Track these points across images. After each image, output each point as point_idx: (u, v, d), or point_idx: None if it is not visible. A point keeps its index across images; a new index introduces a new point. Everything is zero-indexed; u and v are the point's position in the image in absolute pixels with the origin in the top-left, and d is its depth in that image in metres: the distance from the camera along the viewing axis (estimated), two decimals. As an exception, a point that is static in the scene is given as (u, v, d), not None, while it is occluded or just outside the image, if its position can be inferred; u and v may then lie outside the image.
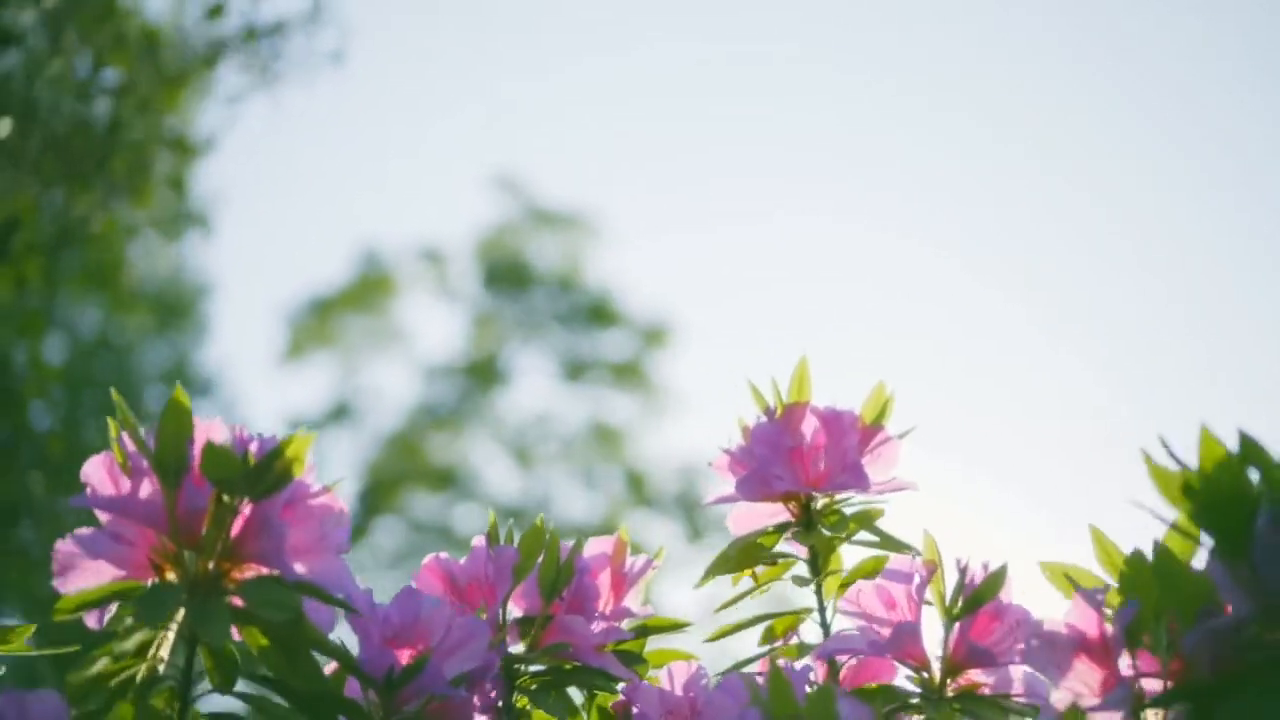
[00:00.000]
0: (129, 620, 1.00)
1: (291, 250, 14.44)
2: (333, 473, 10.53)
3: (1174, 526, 0.95)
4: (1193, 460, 0.91)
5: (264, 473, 0.98)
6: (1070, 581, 1.06)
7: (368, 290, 11.04)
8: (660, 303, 11.82)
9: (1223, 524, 0.89)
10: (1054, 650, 1.05)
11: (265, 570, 1.00)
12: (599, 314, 11.30)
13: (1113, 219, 13.25)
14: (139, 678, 0.99)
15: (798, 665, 1.20)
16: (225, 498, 0.98)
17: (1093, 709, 1.00)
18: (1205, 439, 0.89)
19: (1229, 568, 0.90)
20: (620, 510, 10.84)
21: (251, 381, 14.14)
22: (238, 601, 0.99)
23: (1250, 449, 0.89)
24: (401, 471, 10.77)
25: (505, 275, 11.35)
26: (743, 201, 14.32)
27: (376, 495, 10.65)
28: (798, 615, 1.30)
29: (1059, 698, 1.05)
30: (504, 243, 11.41)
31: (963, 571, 1.16)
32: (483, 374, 11.22)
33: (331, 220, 14.49)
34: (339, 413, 10.91)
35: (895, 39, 13.76)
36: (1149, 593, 1.00)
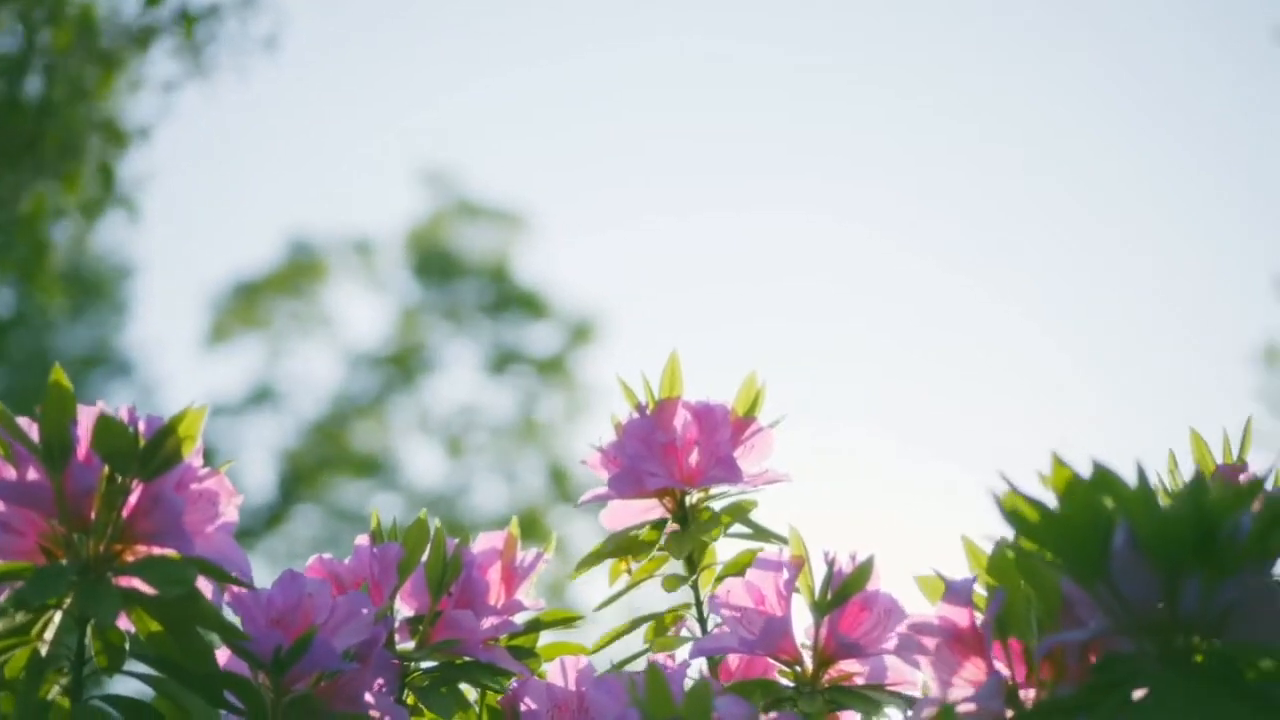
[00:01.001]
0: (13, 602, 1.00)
1: (220, 235, 14.32)
2: (252, 457, 10.48)
3: (1023, 551, 0.98)
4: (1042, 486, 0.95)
5: (155, 451, 0.99)
6: (940, 578, 1.09)
7: (295, 275, 10.98)
8: (588, 298, 11.82)
9: (1078, 547, 0.92)
10: (924, 641, 1.08)
11: (157, 551, 1.01)
12: (527, 307, 11.29)
13: (1008, 209, 13.38)
14: (27, 659, 1.00)
15: (677, 662, 1.22)
16: (117, 477, 1.00)
17: (965, 700, 1.04)
18: (1057, 465, 0.93)
19: (1086, 587, 0.94)
20: (542, 504, 10.84)
21: (176, 365, 14.02)
22: (128, 582, 1.01)
23: (1101, 474, 0.92)
24: (323, 458, 10.73)
25: (434, 266, 11.32)
26: (673, 199, 14.37)
27: (297, 482, 10.60)
28: (676, 612, 1.32)
29: (931, 689, 1.08)
30: (433, 234, 11.38)
31: (830, 564, 1.17)
32: (409, 363, 11.19)
33: (261, 206, 14.39)
34: (261, 397, 10.85)
35: (821, 32, 13.81)
36: (1015, 586, 1.04)
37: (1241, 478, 1.22)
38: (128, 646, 1.02)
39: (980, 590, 1.08)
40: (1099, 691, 0.93)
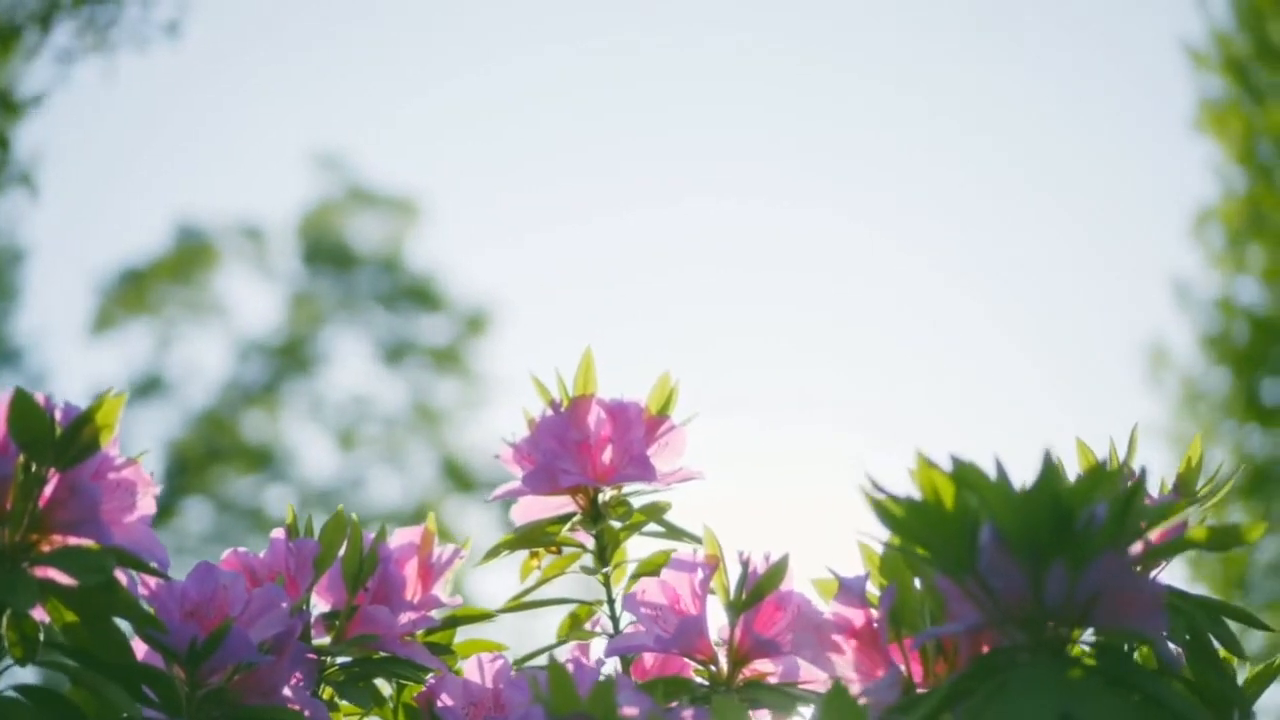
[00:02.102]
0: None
1: (109, 219, 14.11)
2: (139, 448, 10.29)
3: (900, 550, 1.00)
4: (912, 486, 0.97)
5: (72, 439, 0.98)
6: (835, 577, 1.11)
7: (185, 262, 10.83)
8: (484, 289, 11.80)
9: (946, 543, 0.94)
10: (821, 638, 1.10)
11: (73, 540, 1.00)
12: (421, 297, 11.23)
13: (926, 210, 13.52)
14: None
15: (593, 660, 1.22)
16: (33, 466, 0.99)
17: (862, 694, 1.05)
18: (922, 465, 0.94)
19: (956, 583, 0.96)
20: (436, 496, 10.79)
21: (63, 353, 13.81)
22: (44, 572, 1.00)
23: (964, 471, 0.93)
24: (212, 450, 10.60)
25: (326, 254, 11.23)
26: (570, 190, 14.36)
27: (185, 474, 10.46)
28: (590, 607, 1.32)
29: (829, 685, 1.10)
30: (326, 221, 11.29)
31: (745, 564, 1.18)
32: (300, 353, 11.09)
33: (152, 191, 14.19)
34: (150, 386, 10.70)
35: (715, 18, 13.86)
36: (907, 582, 1.06)
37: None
38: (42, 638, 1.01)
39: (873, 588, 1.11)
40: (973, 681, 0.95)
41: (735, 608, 1.18)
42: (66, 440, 0.99)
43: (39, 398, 1.00)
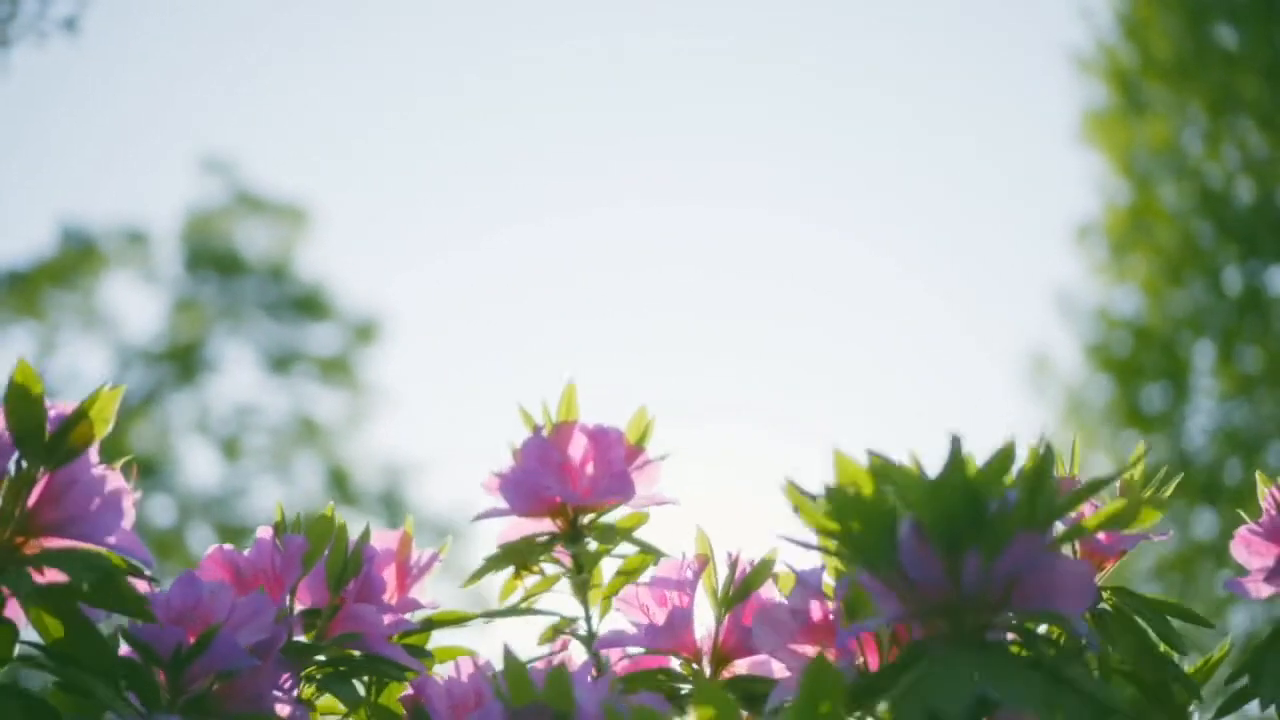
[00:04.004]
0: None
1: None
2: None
3: (822, 549, 1.01)
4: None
5: (65, 436, 0.97)
6: (792, 570, 1.12)
7: (69, 265, 10.63)
8: (372, 299, 11.72)
9: (866, 538, 0.95)
10: (778, 630, 1.11)
11: (57, 542, 0.98)
12: (308, 306, 11.13)
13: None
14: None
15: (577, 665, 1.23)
16: (25, 465, 0.97)
17: None
18: (840, 461, 0.95)
19: (879, 577, 0.96)
20: (321, 506, 10.69)
21: (-64, 357, 13.49)
22: (35, 572, 0.98)
23: (880, 465, 0.95)
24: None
25: (211, 260, 11.09)
26: (462, 201, 14.32)
27: (67, 481, 10.27)
28: (567, 620, 1.33)
29: (788, 677, 1.12)
30: (212, 227, 11.15)
31: (733, 563, 1.20)
32: (185, 361, 10.93)
33: (36, 191, 13.91)
34: (30, 394, 10.49)
35: (608, 23, 13.90)
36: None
37: (1063, 482, 1.27)
38: (18, 640, 0.99)
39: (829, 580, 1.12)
40: (897, 672, 0.95)
41: (724, 603, 1.20)
42: (58, 438, 0.97)
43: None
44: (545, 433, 1.32)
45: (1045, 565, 0.95)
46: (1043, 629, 1.09)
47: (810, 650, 1.10)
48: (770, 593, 1.20)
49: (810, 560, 1.13)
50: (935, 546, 0.93)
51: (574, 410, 1.33)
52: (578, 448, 1.32)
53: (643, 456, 1.33)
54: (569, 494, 1.30)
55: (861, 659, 1.07)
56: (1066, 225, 8.75)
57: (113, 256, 10.84)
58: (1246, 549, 1.22)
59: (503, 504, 1.31)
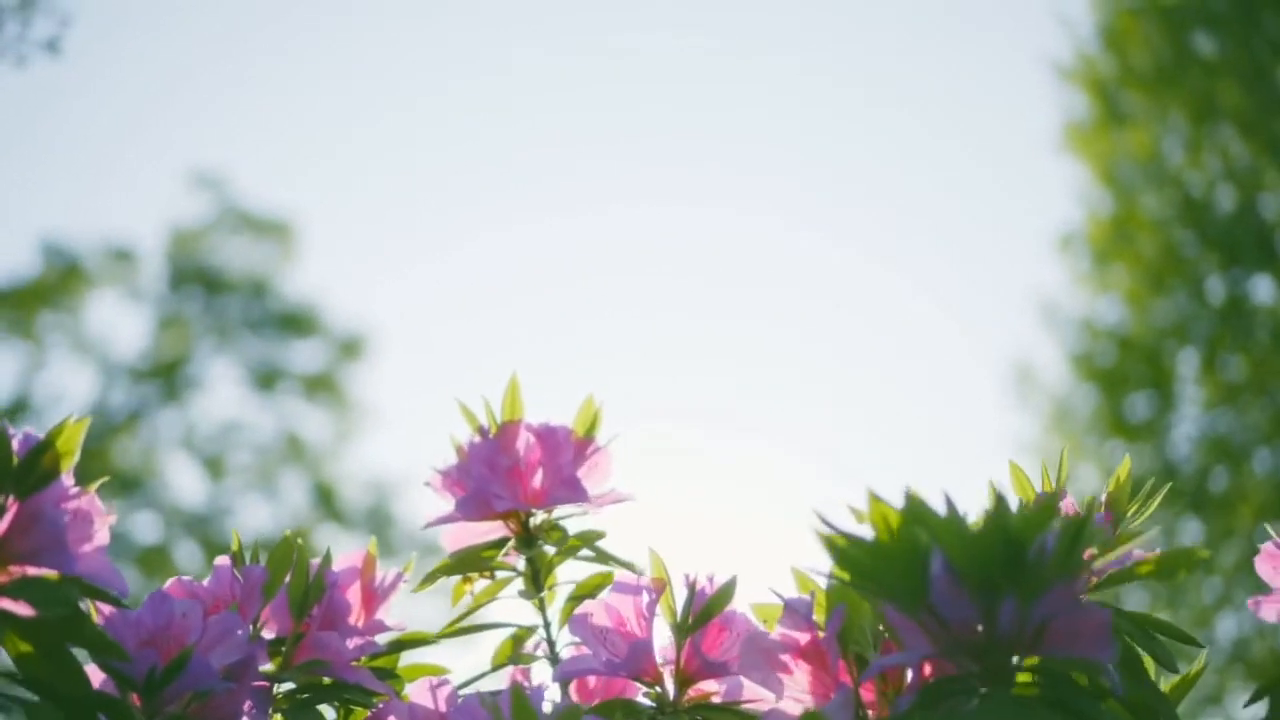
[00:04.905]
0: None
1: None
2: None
3: (849, 584, 1.02)
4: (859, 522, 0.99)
5: (33, 466, 0.97)
6: (779, 598, 1.12)
7: (53, 283, 10.61)
8: (358, 315, 11.70)
9: (898, 577, 0.96)
10: (768, 658, 1.11)
11: (30, 570, 0.99)
12: (293, 323, 11.12)
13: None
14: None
15: (532, 685, 1.23)
16: (-6, 496, 0.97)
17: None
18: (873, 501, 0.96)
19: (909, 615, 0.98)
20: (308, 524, 10.68)
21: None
22: (4, 604, 0.98)
23: (915, 506, 0.95)
24: (80, 475, 10.37)
25: (196, 277, 11.08)
26: (445, 211, 14.31)
27: (53, 500, 10.24)
28: (526, 631, 1.33)
29: (784, 705, 1.12)
30: (197, 244, 11.14)
31: (691, 586, 1.19)
32: (170, 378, 10.92)
33: (20, 208, 13.88)
34: (16, 410, 10.46)
35: (599, 29, 13.91)
36: (854, 602, 1.08)
37: (1062, 505, 1.27)
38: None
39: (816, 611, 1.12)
40: (923, 708, 0.97)
41: (682, 630, 1.20)
42: (26, 467, 0.97)
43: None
44: (490, 433, 1.31)
45: (1076, 612, 0.97)
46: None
47: (799, 678, 1.11)
48: (731, 616, 1.20)
49: (789, 588, 1.14)
50: (969, 589, 0.95)
51: (519, 408, 1.32)
52: (525, 447, 1.31)
53: (592, 446, 1.33)
54: (519, 503, 1.29)
55: (855, 690, 1.07)
56: (1049, 235, 8.75)
57: (98, 274, 10.82)
58: (1272, 567, 1.20)
59: (450, 507, 1.31)
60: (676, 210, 13.71)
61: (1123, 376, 8.29)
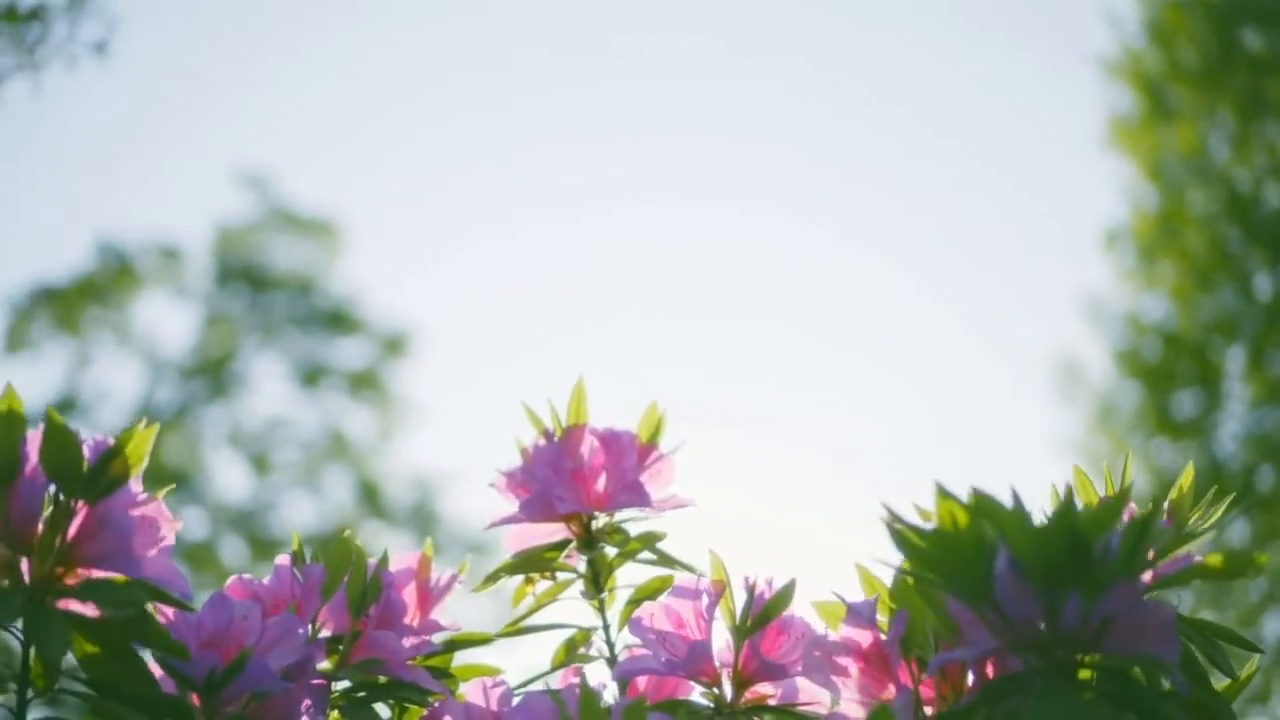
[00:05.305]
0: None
1: (25, 237, 13.89)
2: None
3: (915, 576, 1.03)
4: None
5: (103, 471, 0.99)
6: (841, 601, 1.13)
7: (103, 281, 10.70)
8: (402, 312, 11.73)
9: (963, 571, 0.97)
10: (831, 661, 1.12)
11: (98, 573, 1.00)
12: (338, 320, 11.17)
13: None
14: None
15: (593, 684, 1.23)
16: (62, 499, 0.98)
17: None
18: (940, 496, 0.97)
19: (973, 609, 0.99)
20: (352, 521, 10.73)
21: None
22: (67, 604, 1.00)
23: (981, 502, 0.96)
24: (127, 472, 10.46)
25: (243, 275, 11.15)
26: (488, 214, 14.35)
27: (100, 496, 10.31)
28: (586, 632, 1.34)
29: (845, 707, 1.13)
30: (244, 242, 11.20)
31: (751, 589, 1.21)
32: (216, 375, 10.98)
33: (71, 207, 13.98)
34: (64, 408, 10.55)
35: (632, 27, 13.90)
36: (916, 606, 1.08)
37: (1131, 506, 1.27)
38: (62, 667, 1.01)
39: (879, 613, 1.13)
40: (988, 703, 0.98)
41: (741, 632, 1.21)
42: (96, 473, 0.99)
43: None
44: (555, 436, 1.32)
45: (1140, 610, 0.98)
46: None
47: (862, 680, 1.11)
48: (789, 619, 1.21)
49: (855, 593, 1.15)
50: (1034, 584, 0.96)
51: (584, 412, 1.34)
52: (589, 451, 1.32)
53: (655, 453, 1.34)
54: (582, 506, 1.30)
55: (916, 691, 1.08)
56: (1095, 231, 8.70)
57: (146, 272, 10.90)
58: None
59: (514, 508, 1.32)
60: (719, 210, 13.71)
61: (1168, 374, 8.24)
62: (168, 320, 12.48)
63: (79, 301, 10.63)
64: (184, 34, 14.12)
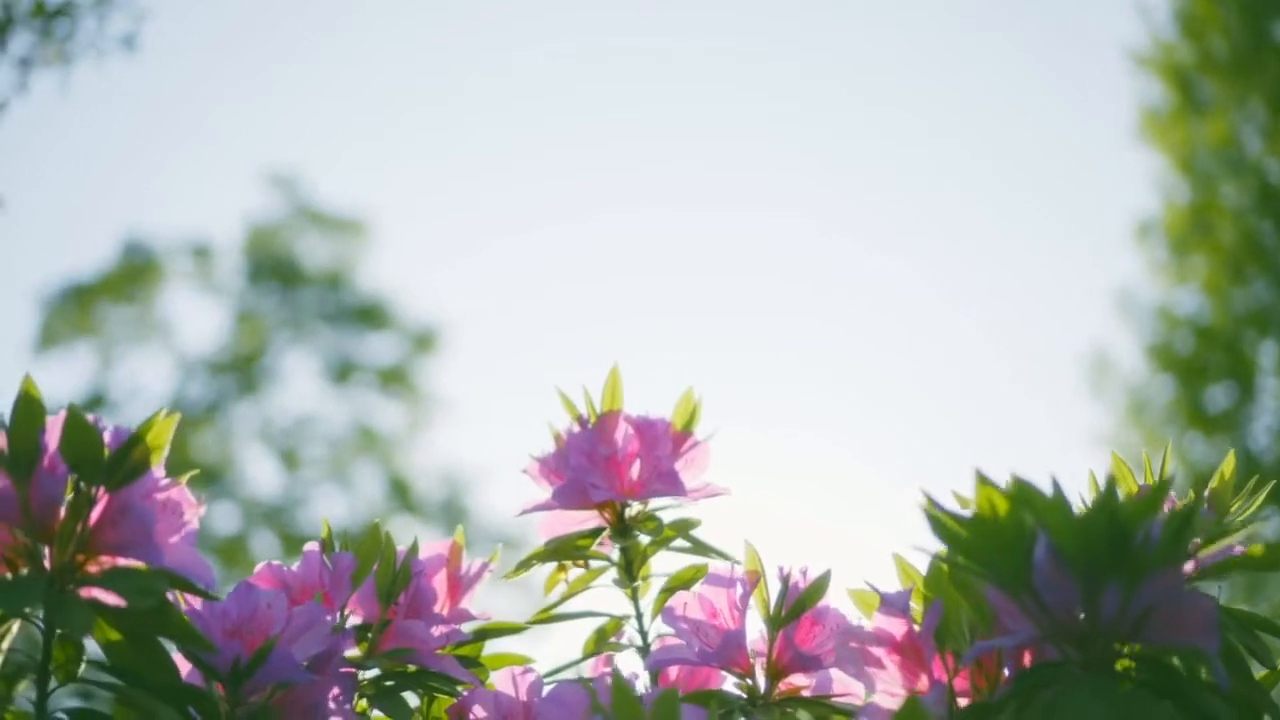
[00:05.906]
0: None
1: (54, 234, 13.95)
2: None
3: (954, 564, 1.02)
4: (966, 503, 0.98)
5: (123, 459, 0.98)
6: (875, 591, 1.12)
7: (131, 279, 10.73)
8: (431, 308, 11.77)
9: (1002, 559, 0.96)
10: (865, 653, 1.11)
11: (120, 561, 1.00)
12: (368, 316, 11.19)
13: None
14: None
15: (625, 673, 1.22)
16: (83, 486, 0.98)
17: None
18: (980, 482, 0.96)
19: (1011, 598, 0.97)
20: (382, 515, 10.75)
21: (7, 369, 13.65)
22: (89, 592, 0.99)
23: (1022, 489, 0.95)
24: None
25: (273, 272, 11.18)
26: (517, 209, 14.36)
27: (131, 492, 10.35)
28: (618, 621, 1.33)
29: (878, 698, 1.11)
30: (274, 239, 11.24)
31: (785, 579, 1.20)
32: (246, 371, 11.02)
33: (100, 205, 14.04)
34: (94, 404, 10.59)
35: (656, 26, 13.87)
36: (950, 597, 1.07)
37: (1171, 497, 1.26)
38: (84, 656, 1.00)
39: (914, 603, 1.11)
40: (1024, 694, 0.97)
41: (776, 622, 1.20)
42: (117, 461, 0.98)
43: (91, 420, 1.00)
44: (590, 423, 1.31)
45: (1181, 601, 0.97)
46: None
47: (895, 672, 1.10)
48: (824, 610, 1.20)
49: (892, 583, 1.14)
50: (1073, 573, 0.95)
51: (619, 399, 1.33)
52: (624, 438, 1.31)
53: (690, 441, 1.33)
54: (616, 494, 1.30)
55: (950, 683, 1.07)
56: (1126, 224, 8.66)
57: (175, 269, 10.95)
58: None
59: (547, 495, 1.31)
60: (749, 212, 13.69)
61: (1201, 367, 8.20)
62: (198, 317, 12.54)
63: (109, 299, 10.67)
64: (211, 32, 14.17)
